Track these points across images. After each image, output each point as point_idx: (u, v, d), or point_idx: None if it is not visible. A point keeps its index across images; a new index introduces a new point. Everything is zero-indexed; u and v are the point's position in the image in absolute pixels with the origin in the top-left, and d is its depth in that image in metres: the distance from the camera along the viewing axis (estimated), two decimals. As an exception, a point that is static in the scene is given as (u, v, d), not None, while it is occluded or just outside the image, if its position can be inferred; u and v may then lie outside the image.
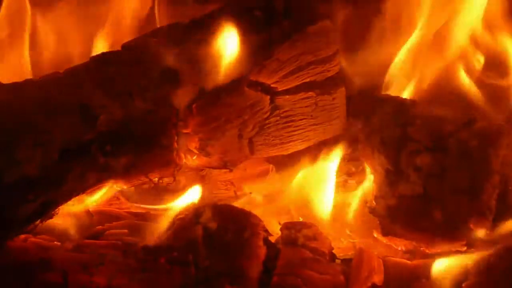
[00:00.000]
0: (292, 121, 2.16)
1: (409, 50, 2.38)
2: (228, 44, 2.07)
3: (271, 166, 2.31)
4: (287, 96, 2.14)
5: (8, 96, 1.98)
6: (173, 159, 2.05)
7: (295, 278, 1.89)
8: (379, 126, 2.08)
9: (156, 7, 2.50)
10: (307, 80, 2.16)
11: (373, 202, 2.07)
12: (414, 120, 2.06)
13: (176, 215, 2.04)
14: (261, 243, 1.96)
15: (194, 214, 2.00)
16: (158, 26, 2.46)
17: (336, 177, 2.21)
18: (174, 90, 2.03)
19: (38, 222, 1.95)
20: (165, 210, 2.13)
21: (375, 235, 2.07)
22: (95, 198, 2.11)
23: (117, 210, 2.20)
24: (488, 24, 2.40)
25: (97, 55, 2.10)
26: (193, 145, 2.06)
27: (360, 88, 2.36)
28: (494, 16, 2.39)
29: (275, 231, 2.05)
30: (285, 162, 2.28)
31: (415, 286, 1.97)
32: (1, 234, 1.91)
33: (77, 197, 2.01)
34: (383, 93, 2.34)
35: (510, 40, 2.40)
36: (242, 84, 2.08)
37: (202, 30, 2.11)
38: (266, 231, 2.01)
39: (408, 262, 2.01)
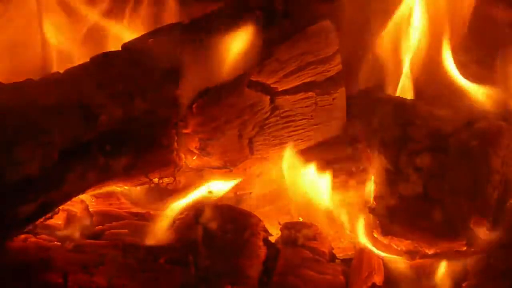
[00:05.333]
0: (292, 121, 2.16)
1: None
2: (228, 44, 2.07)
3: (270, 166, 2.31)
4: (287, 96, 2.14)
5: (8, 96, 1.98)
6: (173, 159, 2.05)
7: (295, 278, 1.89)
8: (379, 126, 2.08)
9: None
10: (307, 80, 2.16)
11: (373, 202, 2.07)
12: (414, 120, 2.07)
13: (176, 215, 2.04)
14: (261, 243, 1.96)
15: (194, 214, 2.00)
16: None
17: (336, 177, 2.21)
18: (174, 90, 2.03)
19: (38, 222, 1.95)
20: (165, 210, 2.13)
21: (375, 235, 2.07)
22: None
23: (117, 210, 2.20)
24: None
25: (97, 55, 2.09)
26: (193, 145, 2.06)
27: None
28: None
29: (275, 231, 2.06)
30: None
31: (415, 286, 1.97)
32: (1, 234, 1.91)
33: (77, 197, 2.01)
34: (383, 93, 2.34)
35: None
36: (242, 84, 2.08)
37: (202, 30, 2.11)
38: (266, 231, 2.01)
39: (408, 262, 2.01)
